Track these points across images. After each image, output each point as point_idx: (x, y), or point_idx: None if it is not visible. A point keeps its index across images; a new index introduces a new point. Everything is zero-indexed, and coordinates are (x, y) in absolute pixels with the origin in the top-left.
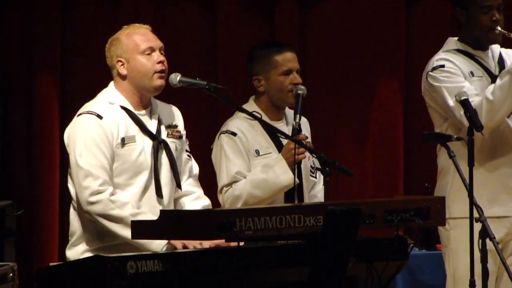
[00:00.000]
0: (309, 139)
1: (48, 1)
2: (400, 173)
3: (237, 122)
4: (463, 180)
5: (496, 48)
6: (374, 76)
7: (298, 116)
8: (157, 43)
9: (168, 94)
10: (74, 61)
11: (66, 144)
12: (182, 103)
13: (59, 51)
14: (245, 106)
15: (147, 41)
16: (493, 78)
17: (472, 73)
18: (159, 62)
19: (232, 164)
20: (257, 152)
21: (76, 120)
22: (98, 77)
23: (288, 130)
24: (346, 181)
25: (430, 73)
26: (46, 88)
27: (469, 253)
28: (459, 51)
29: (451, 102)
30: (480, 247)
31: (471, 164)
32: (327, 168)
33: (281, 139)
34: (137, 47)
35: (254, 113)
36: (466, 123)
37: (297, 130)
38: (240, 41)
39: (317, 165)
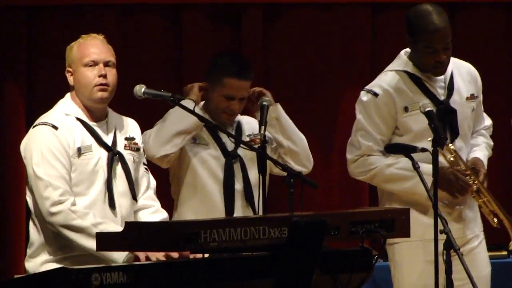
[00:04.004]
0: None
1: (14, 11)
2: (365, 183)
3: None
4: (428, 191)
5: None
6: (339, 85)
7: (263, 127)
8: (102, 56)
9: (131, 106)
10: (41, 70)
11: (23, 157)
12: (146, 115)
13: (25, 61)
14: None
15: (91, 54)
16: (438, 104)
17: (406, 109)
18: (100, 76)
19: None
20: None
21: (31, 132)
22: (65, 86)
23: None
24: (311, 191)
25: (366, 88)
26: (12, 97)
27: (434, 267)
28: (407, 73)
29: (353, 136)
30: (445, 258)
31: (435, 175)
32: (292, 180)
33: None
34: (81, 59)
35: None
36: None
37: (264, 141)
38: (206, 51)
39: None
